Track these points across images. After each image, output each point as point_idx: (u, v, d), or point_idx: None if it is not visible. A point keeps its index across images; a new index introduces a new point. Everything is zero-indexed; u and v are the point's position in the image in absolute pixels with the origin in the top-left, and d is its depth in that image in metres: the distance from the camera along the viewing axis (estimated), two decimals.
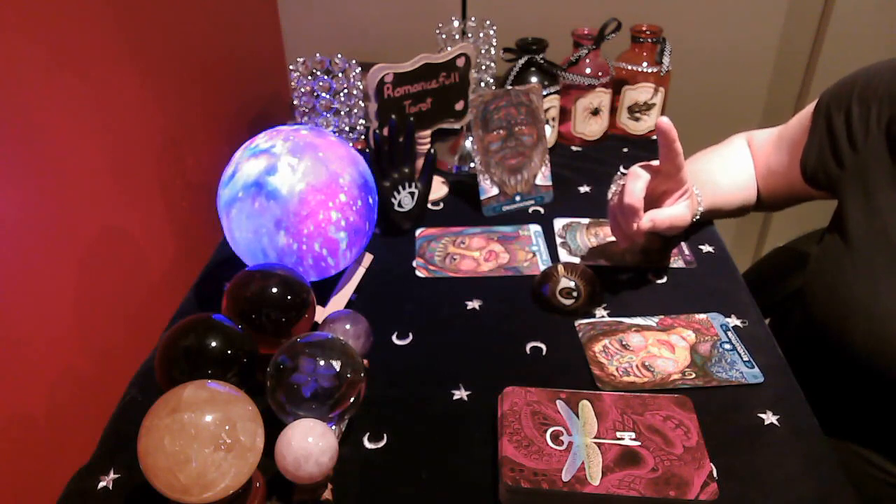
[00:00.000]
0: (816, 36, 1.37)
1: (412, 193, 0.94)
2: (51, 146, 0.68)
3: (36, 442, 0.66)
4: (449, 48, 1.00)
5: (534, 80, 1.09)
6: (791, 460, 0.62)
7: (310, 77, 1.06)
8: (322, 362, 0.58)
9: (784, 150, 0.84)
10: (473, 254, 0.91)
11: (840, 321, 0.71)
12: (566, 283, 0.81)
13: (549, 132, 1.12)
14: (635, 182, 0.74)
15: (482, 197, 0.99)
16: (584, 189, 1.07)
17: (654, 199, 0.79)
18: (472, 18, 1.08)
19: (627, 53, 1.17)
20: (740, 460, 0.62)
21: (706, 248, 0.92)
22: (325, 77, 1.06)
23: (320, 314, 0.74)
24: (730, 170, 0.90)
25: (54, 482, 0.62)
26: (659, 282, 0.86)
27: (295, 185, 0.70)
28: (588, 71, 1.13)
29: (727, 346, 0.75)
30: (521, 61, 1.09)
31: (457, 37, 1.07)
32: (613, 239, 0.93)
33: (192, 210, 0.98)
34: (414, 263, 0.90)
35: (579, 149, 1.19)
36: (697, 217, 0.85)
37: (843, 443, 0.75)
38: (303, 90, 1.06)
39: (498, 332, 0.78)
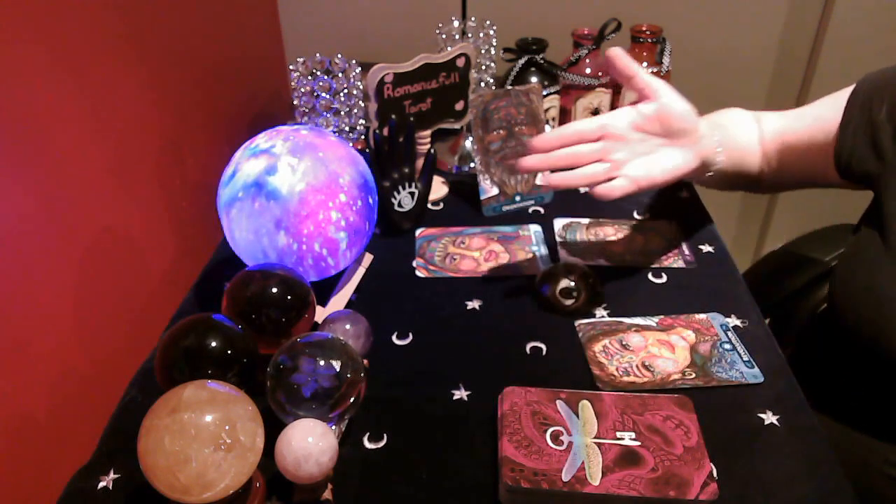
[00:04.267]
0: (816, 36, 1.37)
1: (412, 193, 0.94)
2: (51, 146, 0.68)
3: (36, 442, 0.66)
4: (449, 48, 1.00)
5: (534, 80, 1.09)
6: (791, 460, 0.62)
7: (310, 77, 1.06)
8: (322, 362, 0.58)
9: (809, 130, 0.78)
10: (473, 254, 0.91)
11: (874, 321, 0.68)
12: (566, 283, 0.81)
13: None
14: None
15: (482, 197, 0.99)
16: (584, 189, 1.07)
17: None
18: (472, 18, 1.08)
19: (627, 53, 1.17)
20: (740, 460, 0.62)
21: (706, 248, 0.92)
22: (325, 77, 1.06)
23: (320, 314, 0.74)
24: (740, 127, 0.83)
25: (54, 482, 0.62)
26: (659, 282, 0.86)
27: (295, 185, 0.70)
28: (588, 71, 1.13)
29: (727, 346, 0.75)
30: (521, 61, 1.09)
31: (457, 37, 1.07)
32: (614, 239, 0.94)
33: (192, 210, 0.98)
34: (414, 263, 0.90)
35: None
36: (714, 167, 0.78)
37: (866, 440, 0.74)
38: (303, 90, 1.06)
39: (498, 332, 0.78)
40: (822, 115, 0.77)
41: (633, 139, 0.70)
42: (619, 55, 0.70)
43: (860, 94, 0.73)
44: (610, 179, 0.69)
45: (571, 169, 0.69)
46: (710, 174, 0.80)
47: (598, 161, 0.69)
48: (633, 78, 0.70)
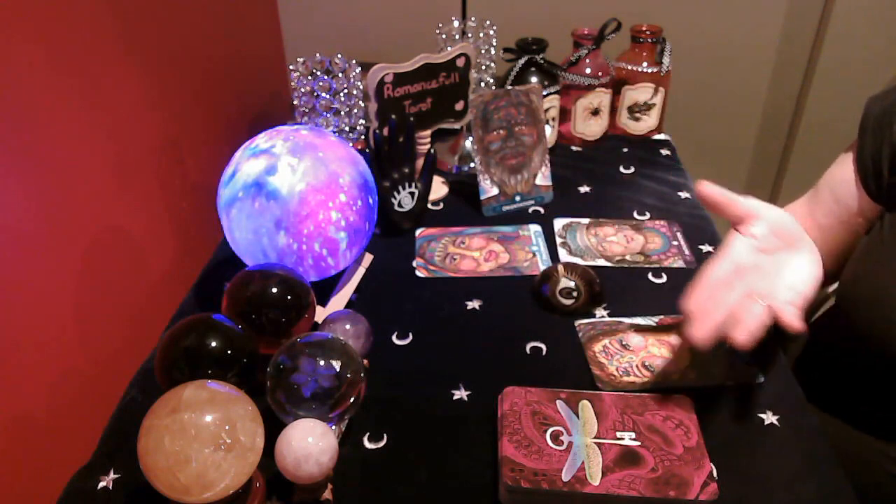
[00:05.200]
0: (816, 35, 1.37)
1: (412, 193, 0.94)
2: (51, 146, 0.68)
3: (36, 442, 0.66)
4: (449, 48, 1.00)
5: (534, 80, 1.09)
6: (791, 460, 0.63)
7: (310, 77, 1.06)
8: (322, 362, 0.58)
9: (832, 194, 0.78)
10: (473, 254, 0.91)
11: (878, 320, 0.68)
12: (566, 283, 0.81)
13: (549, 132, 1.12)
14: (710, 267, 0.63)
15: (482, 197, 0.99)
16: (584, 189, 1.07)
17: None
18: (472, 18, 1.08)
19: (627, 53, 1.17)
20: (740, 460, 0.62)
21: (706, 248, 0.92)
22: (325, 77, 1.06)
23: (320, 314, 0.74)
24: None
25: (54, 482, 0.62)
26: (659, 282, 0.86)
27: (295, 185, 0.70)
28: (588, 71, 1.13)
29: (727, 346, 0.74)
30: (521, 61, 1.09)
31: (457, 37, 1.07)
32: (614, 239, 0.94)
33: (192, 210, 0.98)
34: (414, 263, 0.90)
35: (579, 149, 1.19)
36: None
37: (868, 438, 0.74)
38: (303, 90, 1.06)
39: (498, 332, 0.78)
40: (833, 173, 0.78)
41: (764, 263, 0.66)
42: (709, 192, 0.66)
43: (871, 118, 0.73)
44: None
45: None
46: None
47: (750, 302, 0.64)
48: (731, 206, 0.67)
